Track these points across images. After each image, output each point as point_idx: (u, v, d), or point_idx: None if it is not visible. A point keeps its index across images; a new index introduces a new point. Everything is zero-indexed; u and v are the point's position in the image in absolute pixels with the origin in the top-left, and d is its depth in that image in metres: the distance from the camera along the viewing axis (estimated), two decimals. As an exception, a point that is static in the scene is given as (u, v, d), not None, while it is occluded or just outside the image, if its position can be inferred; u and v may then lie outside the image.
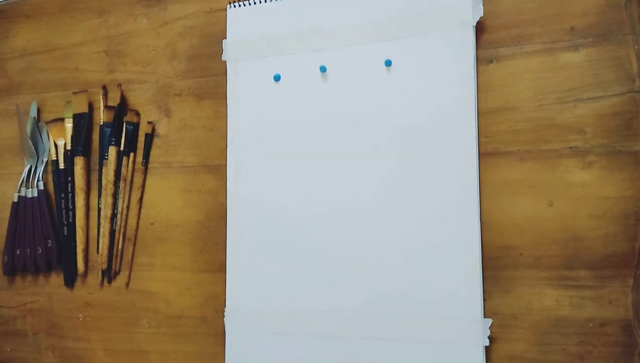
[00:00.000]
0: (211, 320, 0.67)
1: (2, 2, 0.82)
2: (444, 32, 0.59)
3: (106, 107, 0.73)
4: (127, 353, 0.71)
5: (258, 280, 0.64)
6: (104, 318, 0.72)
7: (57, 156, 0.75)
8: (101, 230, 0.72)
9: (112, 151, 0.72)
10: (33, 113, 0.77)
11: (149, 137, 0.72)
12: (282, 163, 0.64)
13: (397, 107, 0.60)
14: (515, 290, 0.56)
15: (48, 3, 0.79)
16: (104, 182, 0.72)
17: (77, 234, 0.73)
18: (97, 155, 0.74)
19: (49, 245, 0.74)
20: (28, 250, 0.74)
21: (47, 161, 0.77)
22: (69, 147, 0.75)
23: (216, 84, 0.69)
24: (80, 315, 0.73)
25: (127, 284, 0.71)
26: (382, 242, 0.59)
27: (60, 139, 0.76)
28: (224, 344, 0.65)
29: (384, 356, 0.58)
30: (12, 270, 0.76)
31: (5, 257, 0.75)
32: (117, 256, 0.71)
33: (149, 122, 0.72)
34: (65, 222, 0.74)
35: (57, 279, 0.75)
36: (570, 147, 0.55)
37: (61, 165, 0.75)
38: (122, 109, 0.73)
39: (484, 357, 0.55)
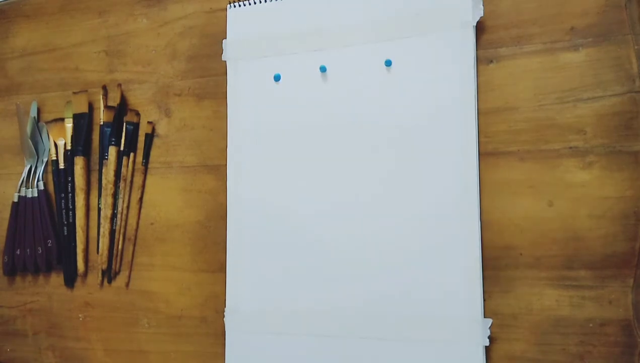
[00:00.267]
0: (211, 320, 0.67)
1: (2, 2, 0.82)
2: (444, 32, 0.59)
3: (106, 107, 0.73)
4: (127, 353, 0.71)
5: (258, 280, 0.64)
6: (104, 318, 0.72)
7: (57, 156, 0.75)
8: (101, 230, 0.72)
9: (112, 151, 0.72)
10: (33, 113, 0.77)
11: (149, 137, 0.72)
12: (282, 163, 0.64)
13: (397, 107, 0.60)
14: (515, 290, 0.56)
15: (48, 3, 0.79)
16: (104, 182, 0.72)
17: (77, 234, 0.73)
18: (97, 155, 0.74)
19: (49, 245, 0.74)
20: (28, 250, 0.74)
21: (47, 161, 0.77)
22: (69, 147, 0.75)
23: (216, 84, 0.69)
24: (80, 315, 0.73)
25: (127, 284, 0.71)
26: (382, 242, 0.59)
27: (60, 139, 0.76)
28: (224, 344, 0.65)
29: (384, 356, 0.58)
30: (12, 270, 0.76)
31: (5, 257, 0.75)
32: (117, 256, 0.71)
33: (149, 122, 0.72)
34: (65, 222, 0.74)
35: (57, 279, 0.75)
36: (570, 147, 0.55)
37: (61, 165, 0.75)
38: (122, 109, 0.73)
39: (484, 357, 0.55)
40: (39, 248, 0.74)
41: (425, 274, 0.57)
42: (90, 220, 0.74)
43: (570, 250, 0.55)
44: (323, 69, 0.63)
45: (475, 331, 0.55)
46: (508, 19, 0.58)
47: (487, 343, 0.55)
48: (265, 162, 0.65)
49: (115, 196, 0.72)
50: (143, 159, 0.72)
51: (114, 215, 0.72)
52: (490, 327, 0.56)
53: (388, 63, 0.60)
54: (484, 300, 0.57)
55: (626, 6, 0.55)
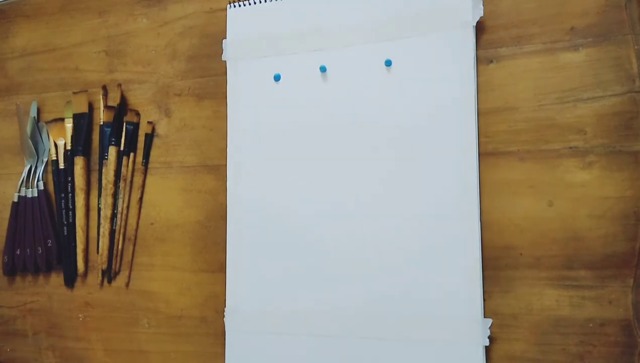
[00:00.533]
0: (211, 320, 0.67)
1: (2, 2, 0.82)
2: (444, 32, 0.59)
3: (106, 107, 0.73)
4: (127, 353, 0.71)
5: (258, 280, 0.64)
6: (104, 318, 0.72)
7: (57, 156, 0.75)
8: (101, 230, 0.72)
9: (112, 151, 0.72)
10: (33, 113, 0.77)
11: (149, 137, 0.72)
12: (282, 163, 0.64)
13: (397, 107, 0.60)
14: (515, 290, 0.56)
15: (48, 3, 0.79)
16: (104, 182, 0.72)
17: (77, 234, 0.73)
18: (97, 155, 0.74)
19: (49, 245, 0.74)
20: (28, 250, 0.74)
21: (47, 161, 0.77)
22: (69, 147, 0.75)
23: (216, 84, 0.69)
24: (80, 315, 0.73)
25: (127, 284, 0.71)
26: (382, 242, 0.59)
27: (60, 139, 0.76)
28: (224, 344, 0.65)
29: (384, 356, 0.58)
30: (12, 270, 0.76)
31: (5, 257, 0.75)
32: (117, 256, 0.71)
33: (149, 122, 0.72)
34: (65, 222, 0.74)
35: (57, 279, 0.75)
36: (570, 147, 0.55)
37: (61, 165, 0.75)
38: (122, 109, 0.73)
39: (484, 357, 0.55)
40: (39, 248, 0.74)
41: (425, 274, 0.57)
42: (90, 220, 0.74)
43: (570, 250, 0.55)
44: (323, 69, 0.63)
45: (475, 331, 0.55)
46: (508, 19, 0.58)
47: (487, 343, 0.55)
48: (265, 162, 0.65)
49: (115, 196, 0.72)
50: (143, 159, 0.72)
51: (114, 215, 0.72)
52: (490, 327, 0.56)
53: (388, 63, 0.60)
54: (484, 300, 0.57)
55: (626, 6, 0.55)
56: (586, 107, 0.55)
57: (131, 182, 0.72)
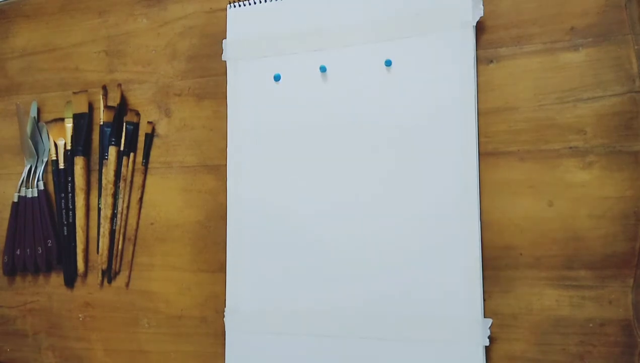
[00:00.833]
0: (211, 320, 0.67)
1: (2, 2, 0.82)
2: (444, 32, 0.59)
3: (106, 107, 0.73)
4: (127, 353, 0.71)
5: (258, 280, 0.64)
6: (104, 318, 0.72)
7: (57, 156, 0.75)
8: (101, 230, 0.72)
9: (112, 151, 0.72)
10: (33, 113, 0.77)
11: (149, 137, 0.72)
12: (282, 163, 0.64)
13: (397, 107, 0.60)
14: (515, 290, 0.56)
15: (48, 3, 0.79)
16: (104, 182, 0.72)
17: (77, 234, 0.73)
18: (97, 155, 0.74)
19: (49, 245, 0.74)
20: (28, 250, 0.74)
21: (47, 161, 0.77)
22: (69, 147, 0.75)
23: (216, 84, 0.69)
24: (80, 315, 0.73)
25: (127, 284, 0.71)
26: (382, 242, 0.59)
27: (60, 139, 0.76)
28: (224, 344, 0.65)
29: (384, 356, 0.58)
30: (12, 270, 0.76)
31: (5, 257, 0.75)
32: (117, 256, 0.71)
33: (149, 122, 0.72)
34: (65, 222, 0.74)
35: (57, 279, 0.75)
36: (570, 147, 0.55)
37: (61, 165, 0.75)
38: (122, 109, 0.73)
39: (484, 357, 0.55)
40: (39, 248, 0.74)
41: (425, 274, 0.57)
42: (90, 220, 0.74)
43: (570, 250, 0.55)
44: (323, 69, 0.63)
45: (475, 331, 0.55)
46: (508, 19, 0.58)
47: (487, 343, 0.55)
48: (265, 162, 0.65)
49: (115, 196, 0.72)
50: (143, 159, 0.72)
51: (114, 215, 0.72)
52: (490, 327, 0.56)
53: (388, 63, 0.60)
54: (484, 300, 0.57)
55: (626, 6, 0.55)
56: (586, 107, 0.55)
57: (131, 182, 0.72)
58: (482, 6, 0.58)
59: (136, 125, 0.73)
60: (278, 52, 0.65)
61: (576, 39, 0.56)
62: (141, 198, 0.72)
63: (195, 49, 0.71)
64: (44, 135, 0.77)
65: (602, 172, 0.54)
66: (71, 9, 0.78)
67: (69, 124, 0.75)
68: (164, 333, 0.69)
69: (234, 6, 0.68)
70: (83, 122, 0.74)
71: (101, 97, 0.74)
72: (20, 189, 0.76)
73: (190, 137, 0.70)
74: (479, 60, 0.59)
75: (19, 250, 0.75)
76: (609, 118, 0.55)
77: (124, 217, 0.71)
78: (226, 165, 0.67)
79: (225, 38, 0.68)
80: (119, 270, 0.72)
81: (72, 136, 0.75)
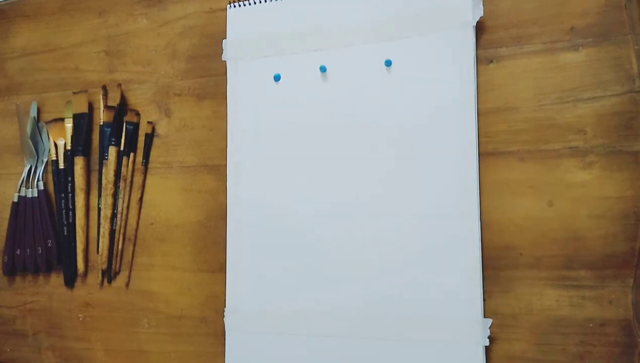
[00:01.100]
0: (211, 320, 0.67)
1: (2, 2, 0.82)
2: (444, 32, 0.59)
3: (106, 107, 0.73)
4: (127, 353, 0.71)
5: (258, 280, 0.64)
6: (104, 318, 0.72)
7: (57, 156, 0.75)
8: (101, 230, 0.72)
9: (112, 151, 0.72)
10: (33, 113, 0.77)
11: (149, 137, 0.72)
12: (282, 163, 0.64)
13: (397, 107, 0.60)
14: (515, 290, 0.56)
15: (48, 3, 0.79)
16: (104, 182, 0.72)
17: (77, 234, 0.73)
18: (97, 155, 0.74)
19: (49, 245, 0.74)
20: (28, 250, 0.74)
21: (47, 161, 0.77)
22: (69, 147, 0.75)
23: (216, 84, 0.69)
24: (80, 315, 0.73)
25: (127, 284, 0.71)
26: (382, 242, 0.59)
27: (60, 139, 0.76)
28: (224, 344, 0.65)
29: (384, 356, 0.58)
30: (12, 270, 0.76)
31: (5, 257, 0.75)
32: (117, 256, 0.71)
33: (149, 122, 0.72)
34: (65, 222, 0.74)
35: (57, 279, 0.75)
36: (570, 147, 0.55)
37: (61, 165, 0.75)
38: (122, 109, 0.73)
39: (484, 357, 0.55)
40: (39, 248, 0.74)
41: (425, 274, 0.57)
42: (90, 220, 0.74)
43: (570, 250, 0.55)
44: (323, 69, 0.63)
45: (475, 331, 0.55)
46: (508, 19, 0.58)
47: (487, 343, 0.55)
48: (265, 162, 0.65)
49: (115, 196, 0.72)
50: (143, 159, 0.72)
51: (114, 215, 0.72)
52: (490, 327, 0.56)
53: (388, 63, 0.60)
54: (484, 300, 0.57)
55: (626, 6, 0.55)
56: (586, 107, 0.55)
57: (131, 182, 0.72)
58: (482, 6, 0.58)
59: (136, 125, 0.73)
60: (278, 52, 0.65)
61: (576, 39, 0.56)
62: (141, 198, 0.72)
63: (195, 49, 0.71)
64: (44, 135, 0.77)
65: (602, 172, 0.54)
66: (71, 9, 0.78)
67: (69, 124, 0.75)
68: (164, 333, 0.69)
69: (234, 6, 0.68)
70: (83, 122, 0.74)
71: (101, 97, 0.74)
72: (20, 189, 0.76)
73: (190, 137, 0.70)
74: (479, 60, 0.59)
75: (19, 250, 0.75)
76: (609, 118, 0.55)
77: (124, 217, 0.71)
78: (226, 165, 0.67)
79: (225, 38, 0.68)
80: (119, 270, 0.72)
81: (72, 136, 0.75)
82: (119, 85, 0.73)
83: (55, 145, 0.76)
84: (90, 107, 0.75)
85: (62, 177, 0.75)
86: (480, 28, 0.59)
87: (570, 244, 0.55)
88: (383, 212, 0.60)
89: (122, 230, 0.71)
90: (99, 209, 0.73)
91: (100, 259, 0.72)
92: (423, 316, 0.57)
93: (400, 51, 0.60)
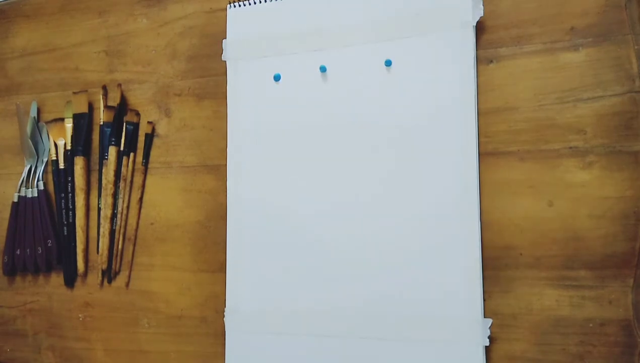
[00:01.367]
0: (211, 320, 0.67)
1: (2, 2, 0.82)
2: (444, 32, 0.59)
3: (106, 107, 0.73)
4: (127, 353, 0.71)
5: (258, 280, 0.64)
6: (104, 318, 0.72)
7: (57, 156, 0.75)
8: (101, 230, 0.72)
9: (112, 151, 0.72)
10: (33, 113, 0.77)
11: (149, 137, 0.72)
12: (282, 163, 0.64)
13: (397, 107, 0.60)
14: (515, 290, 0.56)
15: (48, 3, 0.79)
16: (104, 182, 0.72)
17: (77, 234, 0.73)
18: (97, 155, 0.74)
19: (49, 245, 0.74)
20: (28, 250, 0.74)
21: (47, 161, 0.77)
22: (69, 147, 0.75)
23: (216, 84, 0.69)
24: (80, 315, 0.73)
25: (127, 284, 0.71)
26: (382, 242, 0.59)
27: (60, 139, 0.76)
28: (224, 344, 0.65)
29: (384, 356, 0.58)
30: (12, 270, 0.76)
31: (5, 257, 0.75)
32: (117, 256, 0.71)
33: (149, 122, 0.72)
34: (65, 222, 0.74)
35: (57, 279, 0.75)
36: (570, 147, 0.55)
37: (61, 165, 0.75)
38: (122, 109, 0.73)
39: (484, 357, 0.55)
40: (39, 248, 0.74)
41: (425, 274, 0.57)
42: (90, 220, 0.74)
43: (570, 250, 0.55)
44: (323, 69, 0.63)
45: (475, 331, 0.55)
46: (508, 19, 0.58)
47: (487, 343, 0.55)
48: (265, 162, 0.65)
49: (115, 196, 0.72)
50: (143, 159, 0.72)
51: (114, 215, 0.72)
52: (490, 327, 0.56)
53: (388, 63, 0.60)
54: (484, 300, 0.57)
55: (626, 6, 0.55)
56: (586, 107, 0.55)
57: (131, 182, 0.72)
58: (482, 6, 0.58)
59: (136, 125, 0.73)
60: (278, 52, 0.65)
61: (576, 39, 0.56)
62: (141, 198, 0.72)
63: (195, 49, 0.71)
64: (44, 135, 0.77)
65: (602, 172, 0.54)
66: (71, 9, 0.78)
67: (69, 124, 0.75)
68: (164, 333, 0.69)
69: (234, 6, 0.68)
70: (83, 122, 0.74)
71: (101, 97, 0.74)
72: (20, 189, 0.76)
73: (190, 137, 0.70)
74: (479, 60, 0.59)
75: (19, 250, 0.75)
76: (609, 118, 0.55)
77: (124, 217, 0.71)
78: (226, 165, 0.67)
79: (225, 38, 0.68)
80: (119, 270, 0.72)
81: (72, 136, 0.75)
82: (119, 85, 0.73)
83: (55, 145, 0.76)
84: (90, 107, 0.75)
85: (62, 177, 0.75)
86: (480, 28, 0.59)
87: (570, 244, 0.55)
88: (383, 212, 0.60)
89: (122, 230, 0.71)
90: (99, 209, 0.73)
91: (100, 259, 0.72)
92: (423, 316, 0.57)
93: (400, 51, 0.60)
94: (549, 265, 0.55)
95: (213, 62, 0.69)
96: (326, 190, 0.62)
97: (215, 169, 0.68)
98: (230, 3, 0.68)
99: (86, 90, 0.75)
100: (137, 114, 0.73)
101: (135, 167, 0.72)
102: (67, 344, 0.74)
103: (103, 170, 0.72)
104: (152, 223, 0.71)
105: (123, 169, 0.72)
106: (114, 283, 0.72)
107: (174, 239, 0.69)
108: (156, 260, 0.70)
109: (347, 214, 0.61)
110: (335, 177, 0.62)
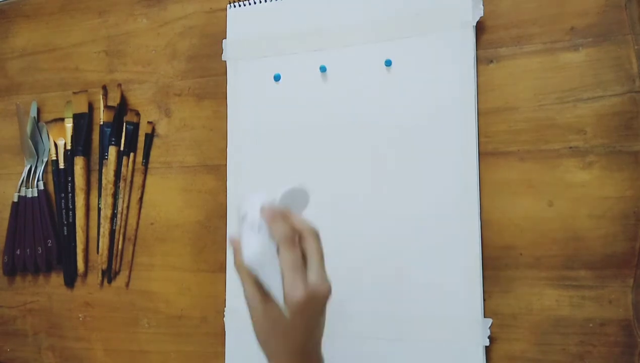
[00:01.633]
0: (211, 320, 0.67)
1: (2, 2, 0.82)
2: (444, 32, 0.59)
3: (106, 107, 0.73)
4: (127, 353, 0.71)
5: (258, 280, 0.63)
6: (104, 318, 0.72)
7: (57, 156, 0.75)
8: (101, 230, 0.72)
9: (112, 151, 0.72)
10: (33, 113, 0.77)
11: (149, 137, 0.72)
12: (282, 163, 0.64)
13: (397, 107, 0.60)
14: (515, 290, 0.56)
15: (48, 3, 0.79)
16: (104, 182, 0.72)
17: (77, 234, 0.73)
18: (97, 155, 0.74)
19: (49, 245, 0.74)
20: (28, 250, 0.74)
21: (47, 161, 0.77)
22: (69, 147, 0.75)
23: (216, 84, 0.69)
24: (80, 315, 0.73)
25: (127, 284, 0.71)
26: (382, 242, 0.59)
27: (60, 139, 0.76)
28: (224, 344, 0.65)
29: (384, 356, 0.58)
30: (12, 270, 0.76)
31: (5, 257, 0.75)
32: (117, 256, 0.71)
33: (149, 122, 0.72)
34: (65, 222, 0.74)
35: (57, 279, 0.75)
36: (570, 147, 0.55)
37: (61, 165, 0.75)
38: (122, 109, 0.73)
39: (484, 357, 0.55)
40: (39, 248, 0.74)
41: (425, 274, 0.57)
42: (90, 220, 0.74)
43: (570, 250, 0.55)
44: (323, 69, 0.63)
45: (475, 331, 0.55)
46: (508, 19, 0.58)
47: (487, 343, 0.55)
48: (265, 162, 0.65)
49: (115, 196, 0.72)
50: (143, 159, 0.72)
51: (114, 215, 0.72)
52: (490, 327, 0.56)
53: (388, 63, 0.60)
54: (484, 300, 0.57)
55: (626, 6, 0.55)
56: (586, 107, 0.55)
57: (131, 182, 0.72)
58: (482, 6, 0.58)
59: (136, 125, 0.73)
60: (278, 52, 0.65)
61: (576, 39, 0.56)
62: (141, 198, 0.72)
63: (195, 49, 0.71)
64: (44, 135, 0.77)
65: (602, 172, 0.54)
66: (71, 9, 0.78)
67: (69, 124, 0.75)
68: (164, 333, 0.69)
69: (234, 6, 0.68)
70: (83, 122, 0.74)
71: (101, 97, 0.74)
72: (20, 189, 0.76)
73: (190, 137, 0.70)
74: (479, 60, 0.59)
75: (19, 250, 0.75)
76: (609, 118, 0.55)
77: (124, 217, 0.71)
78: (226, 165, 0.67)
79: (225, 38, 0.68)
80: (119, 270, 0.72)
81: (72, 136, 0.75)
82: (119, 85, 0.73)
83: (55, 145, 0.76)
84: (90, 107, 0.75)
85: (62, 177, 0.75)
86: (480, 28, 0.59)
87: (570, 244, 0.55)
88: (383, 212, 0.60)
89: (122, 230, 0.71)
90: (99, 209, 0.73)
91: (100, 259, 0.72)
92: (423, 316, 0.57)
93: (400, 51, 0.60)
94: (549, 265, 0.55)
95: (213, 62, 0.69)
96: (326, 190, 0.62)
97: (215, 169, 0.68)
98: (230, 3, 0.68)
99: (86, 90, 0.75)
100: (137, 114, 0.73)
101: (135, 167, 0.72)
102: (67, 344, 0.74)
103: (103, 170, 0.72)
104: (152, 223, 0.71)
105: (123, 169, 0.72)
106: (114, 283, 0.72)
107: (174, 239, 0.69)
108: (156, 260, 0.70)
109: (346, 214, 0.61)
110: (335, 177, 0.62)
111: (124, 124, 0.72)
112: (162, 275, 0.70)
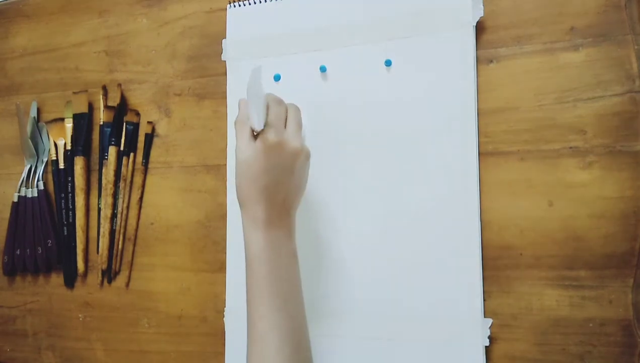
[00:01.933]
0: (211, 320, 0.67)
1: (2, 2, 0.82)
2: (444, 32, 0.59)
3: (106, 107, 0.73)
4: (127, 353, 0.71)
5: (258, 280, 0.63)
6: (104, 318, 0.72)
7: (57, 156, 0.75)
8: (101, 230, 0.72)
9: (112, 151, 0.72)
10: (33, 113, 0.77)
11: (149, 137, 0.72)
12: (282, 163, 0.64)
13: (397, 107, 0.60)
14: (515, 290, 0.56)
15: (48, 3, 0.79)
16: (104, 182, 0.72)
17: (77, 234, 0.73)
18: (97, 155, 0.74)
19: (49, 245, 0.74)
20: (28, 250, 0.74)
21: (47, 161, 0.77)
22: (69, 147, 0.75)
23: (216, 84, 0.69)
24: (80, 315, 0.73)
25: (127, 284, 0.71)
26: (382, 242, 0.59)
27: (60, 139, 0.76)
28: (224, 344, 0.65)
29: (384, 356, 0.58)
30: (12, 270, 0.76)
31: (5, 257, 0.75)
32: (117, 256, 0.71)
33: (149, 122, 0.72)
34: (65, 222, 0.74)
35: (57, 279, 0.75)
36: (570, 147, 0.55)
37: (61, 165, 0.75)
38: (122, 109, 0.73)
39: (484, 357, 0.55)
40: (39, 248, 0.74)
41: (425, 274, 0.57)
42: (90, 220, 0.74)
43: (570, 250, 0.55)
44: (323, 69, 0.63)
45: (475, 331, 0.55)
46: (508, 19, 0.58)
47: (487, 343, 0.55)
48: (265, 162, 0.64)
49: (115, 196, 0.72)
50: (143, 159, 0.72)
51: (114, 215, 0.72)
52: (490, 327, 0.56)
53: (388, 63, 0.60)
54: (484, 300, 0.57)
55: (626, 6, 0.55)
56: (586, 107, 0.55)
57: (131, 182, 0.72)
58: (482, 6, 0.58)
59: (136, 125, 0.73)
60: (278, 52, 0.65)
61: (576, 39, 0.56)
62: (141, 198, 0.72)
63: (195, 49, 0.71)
64: (44, 135, 0.77)
65: (602, 172, 0.54)
66: (71, 9, 0.78)
67: (69, 124, 0.75)
68: (164, 333, 0.69)
69: (234, 6, 0.68)
70: (83, 122, 0.74)
71: (101, 97, 0.74)
72: (20, 189, 0.76)
73: (190, 137, 0.70)
74: (479, 60, 0.59)
75: (19, 250, 0.75)
76: (609, 118, 0.55)
77: (124, 217, 0.71)
78: (226, 165, 0.67)
79: (225, 38, 0.68)
80: (119, 270, 0.72)
81: (72, 136, 0.75)
82: (119, 85, 0.73)
83: (55, 145, 0.76)
84: (90, 107, 0.75)
85: (62, 177, 0.75)
86: (480, 28, 0.59)
87: (570, 244, 0.55)
88: (383, 212, 0.60)
89: (122, 230, 0.71)
90: (99, 209, 0.73)
91: (100, 259, 0.72)
92: (423, 316, 0.57)
93: (400, 51, 0.60)
94: (549, 265, 0.55)
95: (213, 62, 0.69)
96: (325, 190, 0.62)
97: (215, 168, 0.68)
98: (230, 3, 0.68)
99: (86, 90, 0.75)
100: (137, 114, 0.73)
101: (135, 167, 0.72)
102: (67, 344, 0.74)
103: (103, 170, 0.72)
104: (152, 223, 0.71)
105: (123, 169, 0.72)
106: (114, 284, 0.72)
107: (174, 239, 0.69)
108: (156, 260, 0.70)
109: (346, 214, 0.61)
110: (335, 177, 0.62)
111: (124, 124, 0.72)
112: (162, 275, 0.70)
